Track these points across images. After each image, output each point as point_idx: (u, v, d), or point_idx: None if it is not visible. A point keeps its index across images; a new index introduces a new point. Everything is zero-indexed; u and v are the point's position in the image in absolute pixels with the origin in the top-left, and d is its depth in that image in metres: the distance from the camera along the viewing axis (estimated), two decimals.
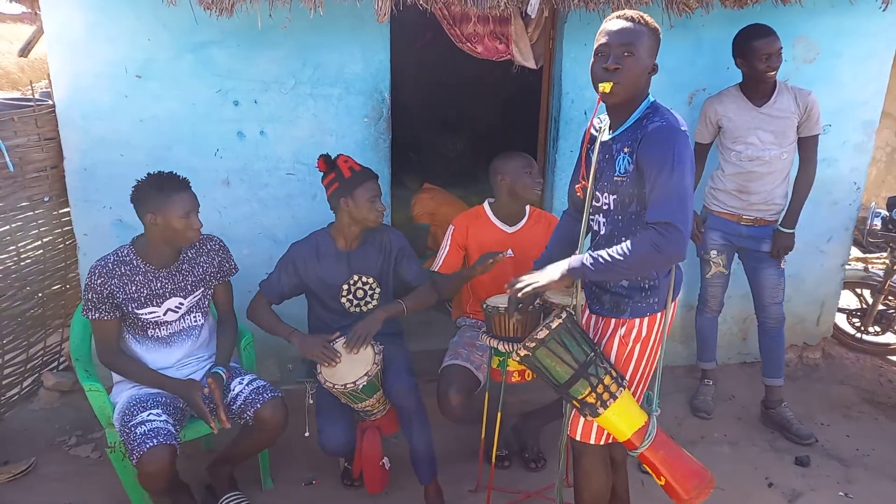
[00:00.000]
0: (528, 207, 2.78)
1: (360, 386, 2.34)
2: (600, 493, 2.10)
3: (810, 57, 3.23)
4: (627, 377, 1.94)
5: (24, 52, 4.47)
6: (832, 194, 3.47)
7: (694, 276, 3.29)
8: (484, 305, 2.26)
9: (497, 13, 2.75)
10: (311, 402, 2.52)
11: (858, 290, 3.96)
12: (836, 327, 3.88)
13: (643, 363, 1.96)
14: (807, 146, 2.91)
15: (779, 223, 2.97)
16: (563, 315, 1.88)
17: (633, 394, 1.96)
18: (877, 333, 3.87)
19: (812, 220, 3.48)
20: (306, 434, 2.48)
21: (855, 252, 4.28)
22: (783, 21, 3.09)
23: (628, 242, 1.75)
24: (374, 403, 2.48)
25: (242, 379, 2.39)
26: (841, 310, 3.89)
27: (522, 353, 1.87)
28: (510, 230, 2.74)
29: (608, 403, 1.85)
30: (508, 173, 2.65)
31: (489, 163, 2.74)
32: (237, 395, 2.35)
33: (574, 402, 1.89)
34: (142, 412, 2.19)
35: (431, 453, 2.46)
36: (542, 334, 1.83)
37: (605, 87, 1.78)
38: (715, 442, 3.02)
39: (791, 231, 2.94)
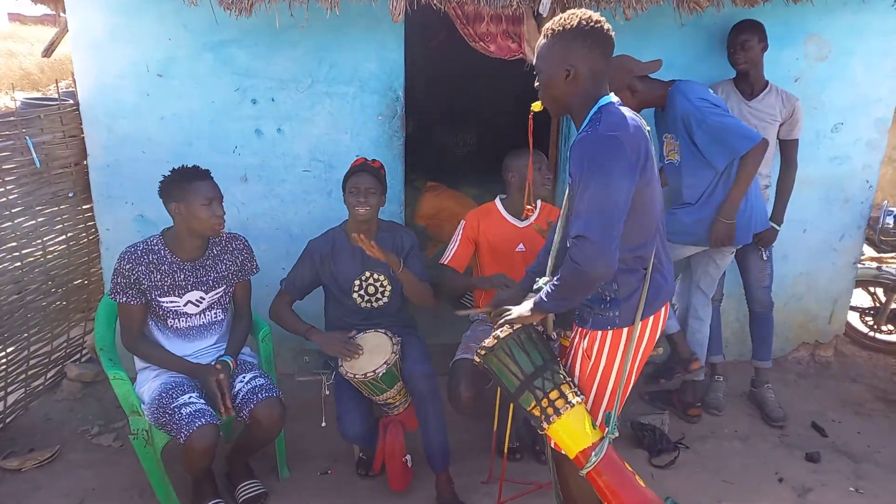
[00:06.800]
0: (538, 203, 2.82)
1: (380, 374, 2.39)
2: (582, 500, 2.02)
3: (822, 55, 3.24)
4: (594, 391, 1.89)
5: (47, 52, 4.57)
6: (844, 192, 3.47)
7: None
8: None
9: (510, 12, 2.79)
10: (328, 392, 2.58)
11: (871, 289, 3.96)
12: (848, 326, 3.88)
13: (610, 379, 1.87)
14: (788, 149, 3.05)
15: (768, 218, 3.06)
16: (516, 325, 1.88)
17: (596, 410, 1.90)
18: (890, 332, 3.87)
19: (824, 217, 3.50)
20: (323, 424, 2.54)
21: (869, 252, 4.27)
22: (795, 20, 3.11)
23: (559, 273, 1.73)
24: (395, 395, 2.52)
25: (244, 377, 2.44)
26: (854, 308, 3.90)
27: (476, 360, 1.91)
28: (521, 225, 2.78)
29: (552, 419, 1.82)
30: (518, 170, 2.69)
31: (501, 160, 2.79)
32: (237, 392, 2.40)
33: (525, 412, 1.89)
34: (182, 395, 2.28)
35: (445, 442, 2.50)
36: (490, 343, 1.86)
37: (536, 105, 1.92)
38: (725, 437, 3.04)
39: (777, 227, 3.06)
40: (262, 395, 2.36)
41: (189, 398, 2.27)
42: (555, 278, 1.77)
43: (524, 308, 1.87)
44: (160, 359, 2.39)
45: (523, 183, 2.67)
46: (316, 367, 2.69)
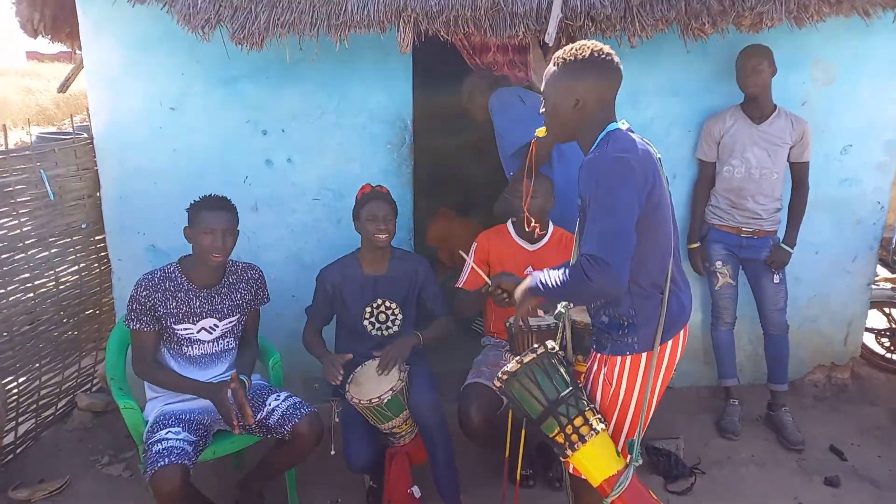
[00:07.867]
0: (550, 226, 2.83)
1: (385, 401, 2.38)
2: None
3: (829, 80, 3.26)
4: (614, 419, 1.87)
5: (63, 88, 4.67)
6: (856, 213, 3.46)
7: (705, 293, 3.34)
8: (507, 323, 2.30)
9: (516, 42, 2.83)
10: (337, 420, 2.56)
11: (887, 310, 3.90)
12: (864, 347, 3.82)
13: (631, 405, 1.85)
14: (799, 171, 3.11)
15: (781, 240, 3.13)
16: (540, 350, 1.86)
17: (617, 436, 1.88)
18: None
19: (836, 239, 3.48)
20: (332, 452, 2.51)
21: (884, 273, 4.23)
22: (800, 45, 3.14)
23: (567, 269, 1.72)
24: (401, 424, 2.50)
25: (279, 395, 2.44)
26: (869, 329, 3.84)
27: (497, 384, 1.88)
28: (531, 248, 2.79)
29: (576, 446, 1.79)
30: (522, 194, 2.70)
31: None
32: (273, 409, 2.40)
33: (548, 439, 1.86)
34: (161, 430, 2.25)
35: (454, 472, 2.47)
36: (513, 368, 1.83)
37: (540, 131, 1.94)
38: (742, 462, 2.99)
39: (790, 249, 3.12)
40: (303, 410, 2.38)
41: (166, 433, 2.22)
42: (554, 273, 1.76)
43: (519, 290, 1.91)
44: (172, 382, 2.39)
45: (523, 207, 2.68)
46: (325, 395, 2.69)
